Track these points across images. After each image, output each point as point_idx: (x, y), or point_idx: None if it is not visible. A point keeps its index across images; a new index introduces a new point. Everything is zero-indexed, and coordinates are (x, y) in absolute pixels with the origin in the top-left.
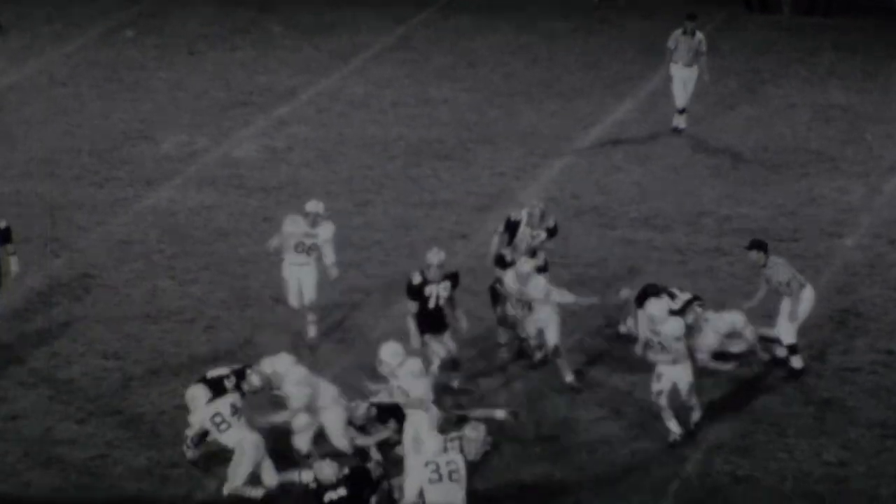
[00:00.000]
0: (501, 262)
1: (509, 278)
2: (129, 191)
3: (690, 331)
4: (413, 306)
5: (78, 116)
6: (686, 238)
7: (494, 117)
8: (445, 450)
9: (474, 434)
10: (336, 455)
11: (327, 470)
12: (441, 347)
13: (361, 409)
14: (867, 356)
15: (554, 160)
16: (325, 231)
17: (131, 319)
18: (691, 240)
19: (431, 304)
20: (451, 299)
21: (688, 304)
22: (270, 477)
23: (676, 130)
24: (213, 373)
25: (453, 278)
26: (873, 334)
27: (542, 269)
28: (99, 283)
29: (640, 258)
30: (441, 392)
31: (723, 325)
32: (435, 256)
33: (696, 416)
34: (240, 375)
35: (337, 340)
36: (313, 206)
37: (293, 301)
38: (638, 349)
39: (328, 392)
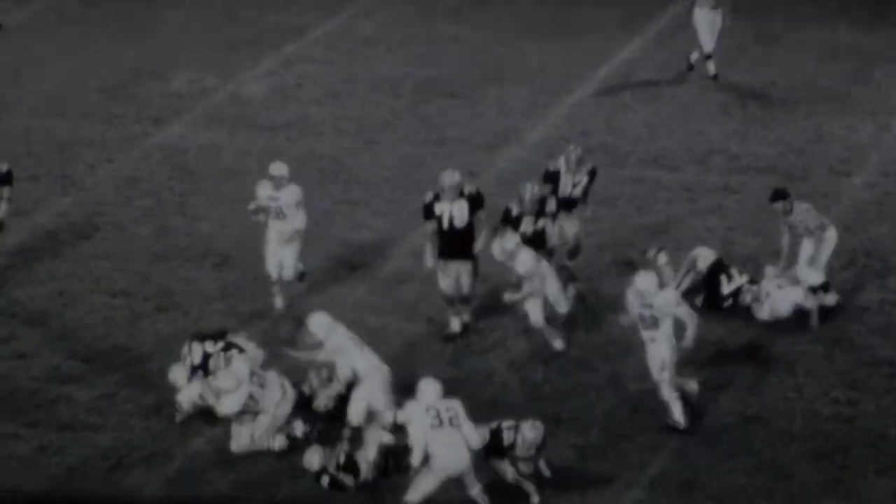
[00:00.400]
0: (507, 218)
1: (496, 248)
2: (138, 128)
3: (750, 308)
4: (429, 226)
5: (86, 54)
6: (695, 177)
7: (503, 56)
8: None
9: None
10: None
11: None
12: (450, 282)
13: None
14: (876, 295)
15: (562, 99)
16: (288, 195)
17: (139, 257)
18: (700, 178)
19: (445, 225)
20: (471, 223)
21: (739, 288)
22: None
23: (713, 77)
24: (199, 349)
25: (473, 199)
26: (882, 273)
27: (539, 237)
28: (107, 221)
29: (648, 197)
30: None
31: (789, 298)
32: (448, 178)
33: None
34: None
35: (343, 278)
36: (277, 168)
37: (271, 270)
38: (623, 320)
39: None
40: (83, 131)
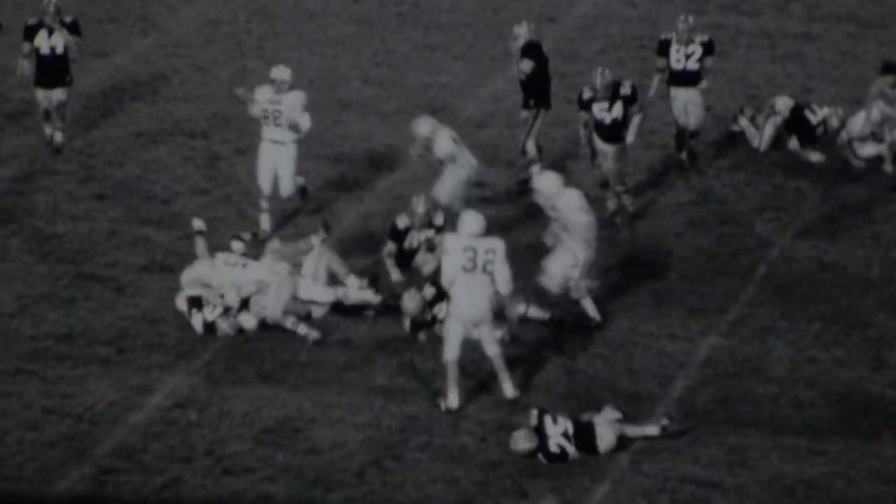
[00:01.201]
0: (580, 102)
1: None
2: None
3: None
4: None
5: None
6: (775, 23)
7: None
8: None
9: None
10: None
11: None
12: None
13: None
14: None
15: None
16: (292, 100)
17: (219, 99)
18: (780, 24)
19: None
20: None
21: (825, 118)
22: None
23: None
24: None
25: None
26: None
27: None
28: (186, 63)
29: (728, 43)
30: None
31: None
32: (418, 204)
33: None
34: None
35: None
36: (279, 72)
37: (263, 184)
38: (548, 239)
39: None
40: None
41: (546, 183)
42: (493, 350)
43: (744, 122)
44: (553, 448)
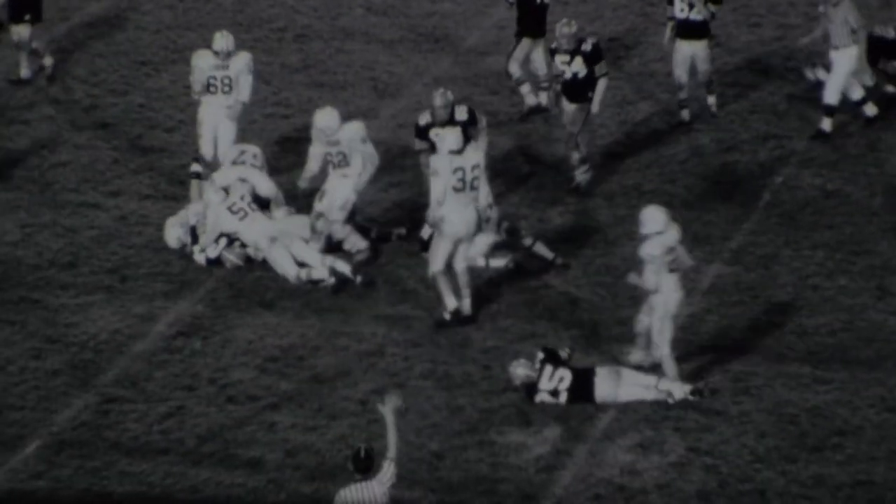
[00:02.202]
0: (549, 52)
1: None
2: None
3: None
4: (420, 144)
5: None
6: None
7: None
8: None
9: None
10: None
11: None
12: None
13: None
14: None
15: None
16: (239, 62)
17: (222, 27)
18: None
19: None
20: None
21: None
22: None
23: None
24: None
25: (464, 124)
26: None
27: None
28: None
29: None
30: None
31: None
32: (439, 98)
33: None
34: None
35: (427, 51)
36: (222, 42)
37: (207, 150)
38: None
39: None
40: None
41: (326, 118)
42: (461, 266)
43: (821, 72)
44: (537, 399)
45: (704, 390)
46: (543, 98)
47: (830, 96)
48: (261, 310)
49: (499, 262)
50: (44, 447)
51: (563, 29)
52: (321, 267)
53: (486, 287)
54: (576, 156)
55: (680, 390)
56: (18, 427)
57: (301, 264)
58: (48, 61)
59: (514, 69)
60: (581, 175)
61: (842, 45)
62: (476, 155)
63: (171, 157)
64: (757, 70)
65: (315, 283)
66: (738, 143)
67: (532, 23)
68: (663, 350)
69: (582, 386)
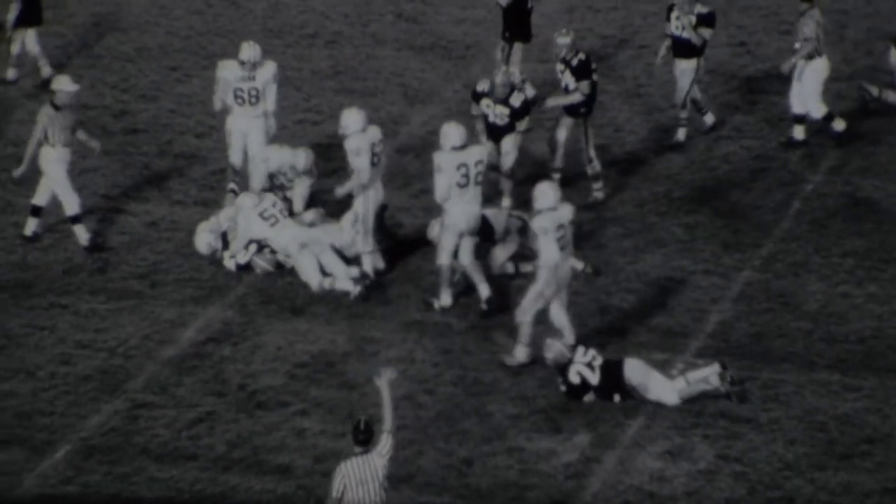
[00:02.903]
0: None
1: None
2: None
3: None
4: (476, 109)
5: None
6: None
7: None
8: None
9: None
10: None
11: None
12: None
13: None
14: None
15: None
16: (266, 73)
17: (253, 33)
18: None
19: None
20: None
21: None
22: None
23: None
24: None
25: (517, 111)
26: None
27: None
28: None
29: None
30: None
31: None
32: (501, 76)
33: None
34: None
35: (459, 57)
36: (249, 52)
37: (236, 158)
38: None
39: None
40: None
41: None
42: (467, 260)
43: (875, 90)
44: (573, 377)
45: (731, 376)
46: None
47: (798, 106)
48: (290, 316)
49: (529, 268)
50: (73, 452)
51: (559, 39)
52: (346, 278)
53: (516, 294)
54: (589, 171)
55: (713, 376)
56: (48, 432)
57: (326, 273)
58: (46, 70)
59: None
60: (597, 192)
61: (816, 55)
62: (480, 151)
63: (202, 163)
64: (788, 78)
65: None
66: (767, 150)
67: (522, 27)
68: (525, 316)
69: (614, 365)
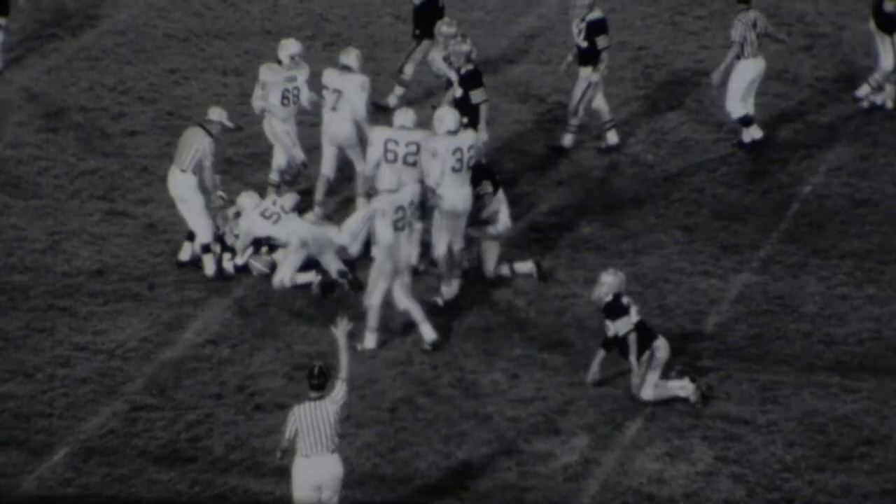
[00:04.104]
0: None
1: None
2: None
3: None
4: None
5: None
6: None
7: None
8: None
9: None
10: None
11: None
12: None
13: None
14: None
15: None
16: (303, 72)
17: (251, 35)
18: None
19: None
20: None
21: None
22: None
23: None
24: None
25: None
26: None
27: None
28: None
29: None
30: None
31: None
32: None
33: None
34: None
35: None
36: (292, 46)
37: (296, 152)
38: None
39: None
40: None
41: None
42: (458, 247)
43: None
44: (620, 328)
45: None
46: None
47: (736, 110)
48: (289, 318)
49: (523, 267)
50: (72, 454)
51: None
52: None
53: (514, 296)
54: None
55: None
56: (46, 434)
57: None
58: None
59: (410, 70)
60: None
61: (742, 56)
62: (472, 136)
63: None
64: (786, 79)
65: (302, 286)
66: (766, 152)
67: (433, 24)
68: (373, 300)
69: (648, 333)
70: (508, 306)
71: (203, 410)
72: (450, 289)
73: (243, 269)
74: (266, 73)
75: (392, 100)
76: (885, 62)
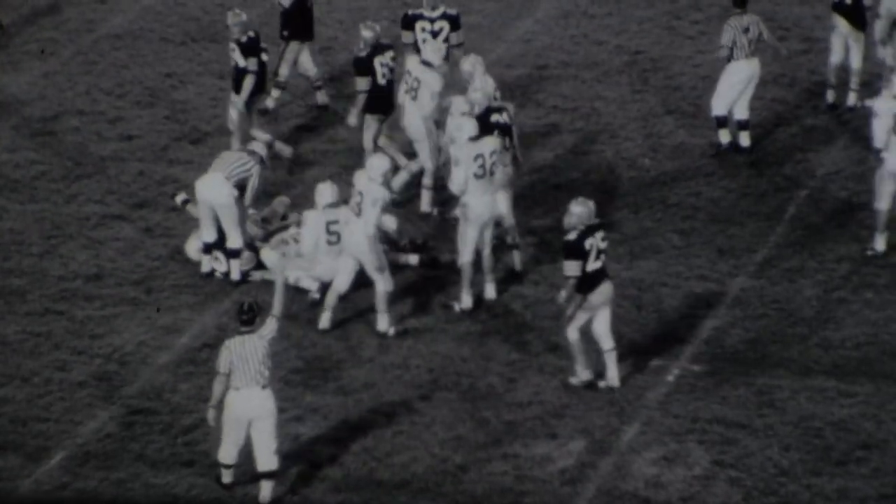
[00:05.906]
0: None
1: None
2: None
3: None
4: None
5: None
6: None
7: None
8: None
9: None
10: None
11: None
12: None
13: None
14: None
15: None
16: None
17: None
18: None
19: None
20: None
21: None
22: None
23: None
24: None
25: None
26: None
27: None
28: (215, 3)
29: None
30: None
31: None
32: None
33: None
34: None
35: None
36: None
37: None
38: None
39: None
40: None
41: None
42: (487, 251)
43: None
44: (585, 243)
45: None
46: (320, 97)
47: (717, 108)
48: (286, 321)
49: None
50: (69, 458)
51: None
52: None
53: (510, 299)
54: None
55: None
56: (43, 438)
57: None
58: None
59: (285, 71)
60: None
61: (733, 58)
62: (494, 142)
63: (198, 170)
64: (782, 83)
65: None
66: (763, 155)
67: (301, 26)
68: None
69: (601, 274)
70: (505, 310)
71: (200, 414)
72: (467, 301)
73: (247, 276)
74: (409, 62)
75: (270, 103)
76: (856, 61)
